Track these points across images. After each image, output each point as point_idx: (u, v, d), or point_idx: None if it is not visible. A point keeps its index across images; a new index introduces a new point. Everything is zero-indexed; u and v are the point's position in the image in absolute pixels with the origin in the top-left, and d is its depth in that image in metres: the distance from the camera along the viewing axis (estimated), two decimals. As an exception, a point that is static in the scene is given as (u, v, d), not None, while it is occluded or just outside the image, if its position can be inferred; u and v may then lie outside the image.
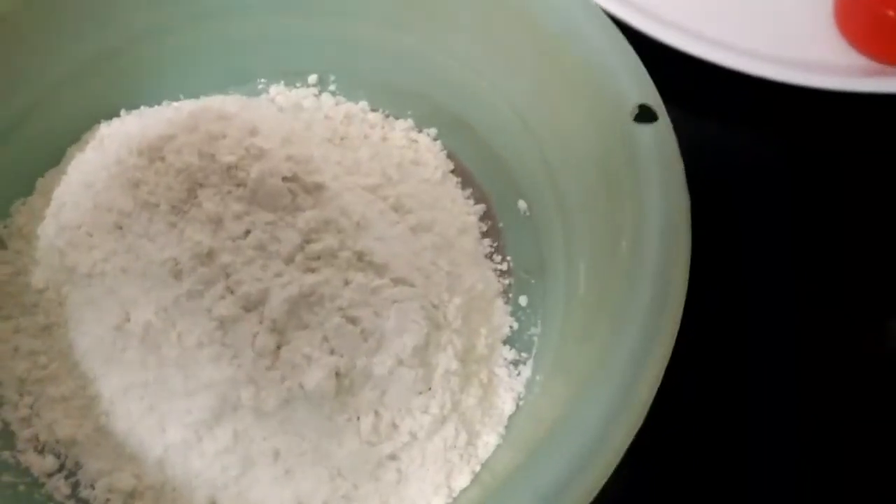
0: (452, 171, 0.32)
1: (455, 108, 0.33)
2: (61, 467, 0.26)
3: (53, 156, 0.32)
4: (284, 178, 0.24)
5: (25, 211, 0.30)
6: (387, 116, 0.33)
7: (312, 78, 0.34)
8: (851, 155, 0.38)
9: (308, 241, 0.24)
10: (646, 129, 0.24)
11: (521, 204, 0.31)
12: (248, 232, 0.24)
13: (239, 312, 0.23)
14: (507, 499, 0.20)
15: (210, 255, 0.24)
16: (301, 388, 0.23)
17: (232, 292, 0.24)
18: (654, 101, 0.24)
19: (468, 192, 0.32)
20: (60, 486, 0.26)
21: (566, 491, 0.19)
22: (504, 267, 0.30)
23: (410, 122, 0.33)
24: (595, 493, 0.20)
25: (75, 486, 0.26)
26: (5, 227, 0.30)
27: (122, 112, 0.33)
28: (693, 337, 0.24)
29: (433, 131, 0.33)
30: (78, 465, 0.26)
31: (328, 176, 0.25)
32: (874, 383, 0.31)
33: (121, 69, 0.33)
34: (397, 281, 0.25)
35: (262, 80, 0.34)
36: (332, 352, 0.24)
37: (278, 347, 0.24)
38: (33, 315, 0.28)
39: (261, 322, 0.23)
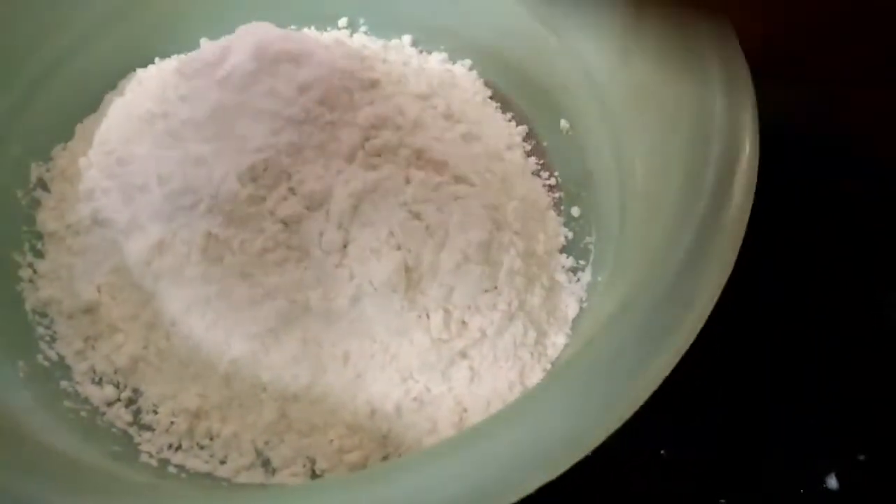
0: (490, 98, 0.32)
1: (487, 39, 0.33)
2: (121, 396, 0.25)
3: (91, 103, 0.31)
4: (339, 77, 0.24)
5: (66, 155, 0.30)
6: (420, 52, 0.34)
7: (342, 21, 0.34)
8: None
9: (367, 139, 0.24)
10: (704, 21, 0.24)
11: (564, 123, 0.31)
12: (307, 133, 0.23)
13: (303, 212, 0.23)
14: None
15: (270, 158, 0.23)
16: (371, 284, 0.23)
17: (294, 193, 0.23)
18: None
19: (508, 115, 0.32)
20: (122, 414, 0.25)
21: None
22: (553, 182, 0.30)
23: (444, 55, 0.33)
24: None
25: (137, 412, 0.25)
26: (48, 170, 0.30)
27: (157, 59, 0.33)
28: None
29: (468, 62, 0.33)
30: (138, 393, 0.25)
31: (381, 75, 0.25)
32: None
33: (153, 17, 0.33)
34: (458, 179, 0.25)
35: (293, 26, 0.34)
36: (398, 247, 0.23)
37: (345, 245, 0.23)
38: (84, 248, 0.27)
39: (326, 220, 0.23)
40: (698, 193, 0.22)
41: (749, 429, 0.29)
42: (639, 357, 0.18)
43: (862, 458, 0.28)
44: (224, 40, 0.26)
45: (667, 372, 0.19)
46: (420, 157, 0.24)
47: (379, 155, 0.24)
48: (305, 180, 0.23)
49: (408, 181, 0.24)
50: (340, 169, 0.23)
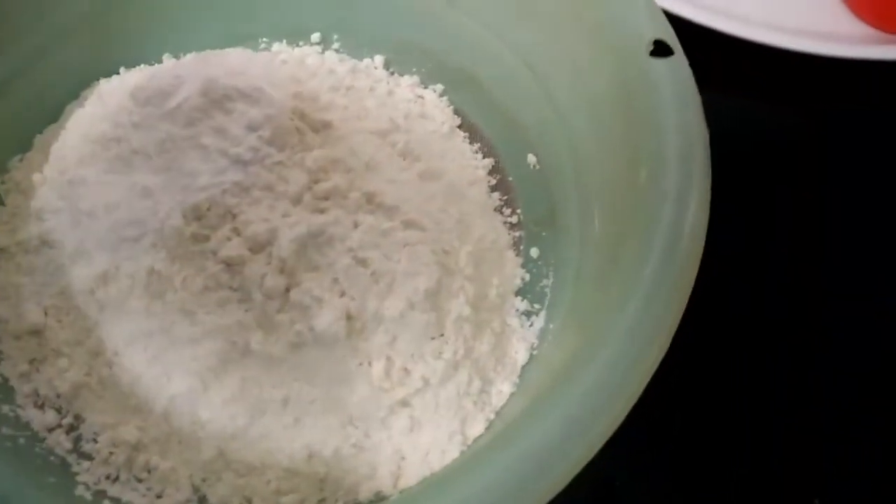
0: (459, 127, 0.32)
1: (461, 63, 0.32)
2: (62, 422, 0.25)
3: (51, 113, 0.31)
4: (291, 118, 0.23)
5: (23, 167, 0.29)
6: (391, 73, 0.33)
7: (315, 37, 0.34)
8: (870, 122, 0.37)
9: (316, 181, 0.23)
10: (662, 64, 0.23)
11: (531, 158, 0.30)
12: (254, 173, 0.23)
13: (246, 254, 0.23)
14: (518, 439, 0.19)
15: (215, 197, 0.23)
16: (311, 331, 0.23)
17: (238, 234, 0.23)
18: (669, 35, 0.24)
19: (476, 146, 0.31)
20: (62, 441, 0.25)
21: (575, 435, 0.19)
22: (514, 220, 0.29)
23: (416, 78, 0.33)
24: (602, 442, 0.19)
25: (77, 440, 0.25)
26: (2, 182, 0.29)
27: (122, 70, 0.32)
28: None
29: (439, 87, 0.33)
30: (80, 419, 0.25)
31: (336, 117, 0.25)
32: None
33: (119, 26, 0.32)
34: (408, 224, 0.24)
35: (264, 40, 0.34)
36: (342, 294, 0.23)
37: (287, 290, 0.23)
38: (32, 268, 0.27)
39: (269, 263, 0.23)
40: (645, 264, 0.21)
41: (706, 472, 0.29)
42: (598, 407, 0.18)
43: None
44: (177, 67, 0.26)
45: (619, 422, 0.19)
46: (370, 202, 0.24)
47: (327, 198, 0.23)
48: (250, 222, 0.23)
49: (355, 226, 0.24)
50: (286, 212, 0.23)
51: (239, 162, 0.23)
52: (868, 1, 0.39)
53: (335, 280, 0.23)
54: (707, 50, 0.35)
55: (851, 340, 0.31)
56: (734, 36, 0.36)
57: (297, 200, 0.23)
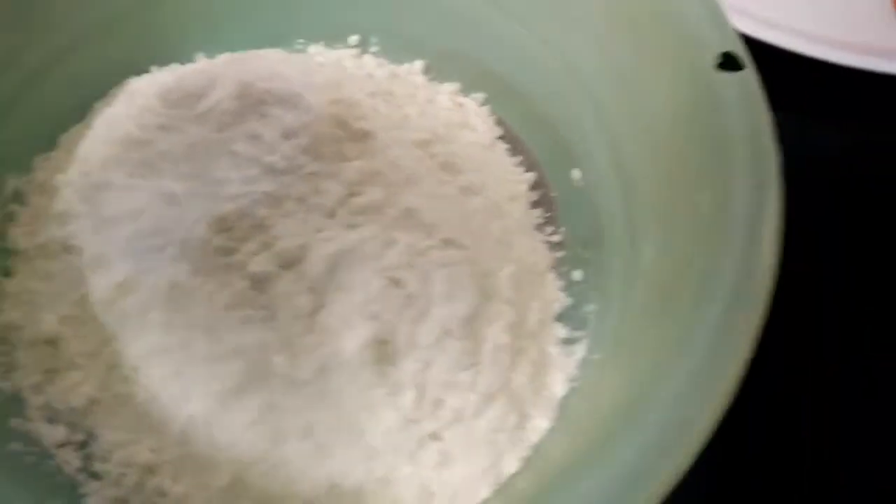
0: (501, 138, 0.30)
1: (505, 72, 0.31)
2: (73, 438, 0.24)
3: (78, 111, 0.30)
4: (329, 125, 0.22)
5: (47, 167, 0.28)
6: (431, 80, 0.31)
7: (353, 39, 0.32)
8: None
9: (352, 195, 0.22)
10: (730, 79, 0.21)
11: (576, 173, 0.29)
12: (287, 183, 0.22)
13: (275, 270, 0.21)
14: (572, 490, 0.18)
15: (245, 207, 0.22)
16: (338, 356, 0.21)
17: (268, 248, 0.21)
18: (738, 48, 0.22)
19: (517, 159, 0.29)
20: (71, 458, 0.24)
21: (641, 481, 0.17)
22: (556, 239, 0.28)
23: (457, 85, 0.31)
24: (671, 485, 0.18)
25: (87, 458, 0.24)
26: (27, 181, 0.28)
27: (154, 69, 0.31)
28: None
29: (480, 96, 0.31)
30: (92, 436, 0.24)
31: (376, 125, 0.23)
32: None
33: (153, 23, 0.31)
34: (447, 243, 0.23)
35: (301, 41, 0.32)
36: (373, 317, 0.21)
37: (315, 310, 0.21)
38: (50, 274, 0.26)
39: (298, 281, 0.21)
40: (711, 305, 0.20)
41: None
42: (659, 455, 0.17)
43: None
44: (211, 67, 0.24)
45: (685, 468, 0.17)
46: (408, 217, 0.22)
47: (362, 213, 0.22)
48: (281, 236, 0.21)
49: (391, 244, 0.22)
50: (320, 226, 0.22)
51: (272, 171, 0.22)
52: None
53: (366, 301, 0.21)
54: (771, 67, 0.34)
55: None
56: (798, 53, 0.34)
57: (331, 214, 0.22)
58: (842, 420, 0.28)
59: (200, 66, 0.27)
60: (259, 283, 0.22)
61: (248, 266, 0.21)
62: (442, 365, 0.22)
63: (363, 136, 0.23)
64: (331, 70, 0.28)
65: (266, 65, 0.24)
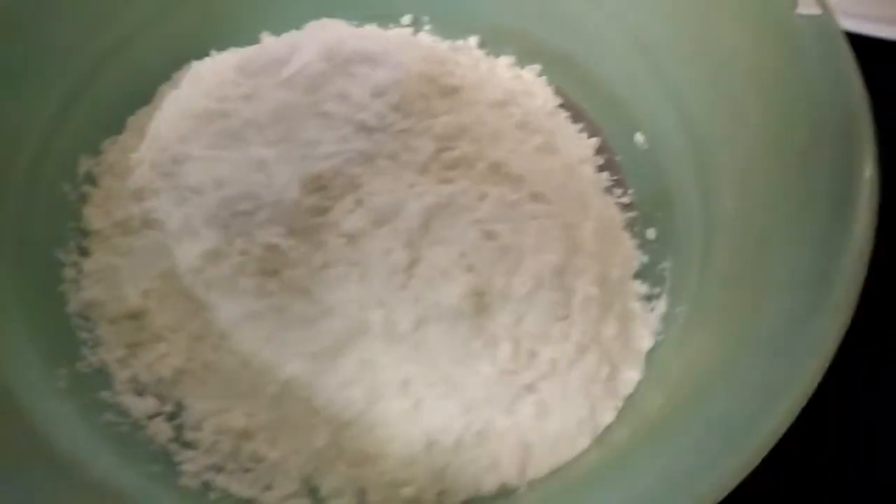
0: (560, 107, 0.30)
1: (557, 42, 0.31)
2: (163, 409, 0.24)
3: (142, 95, 0.30)
4: (419, 82, 0.22)
5: (116, 149, 0.29)
6: (487, 54, 0.32)
7: (406, 19, 0.33)
8: None
9: (442, 150, 0.22)
10: (809, 22, 0.22)
11: (639, 137, 0.29)
12: (379, 141, 0.22)
13: (369, 227, 0.22)
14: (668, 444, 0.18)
15: (338, 166, 0.22)
16: (437, 307, 0.21)
17: (361, 205, 0.22)
18: (814, -9, 0.22)
19: (579, 126, 0.30)
20: (163, 429, 0.24)
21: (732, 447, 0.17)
22: (626, 200, 0.28)
23: (513, 58, 0.31)
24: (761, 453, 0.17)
25: (179, 428, 0.24)
26: (97, 164, 0.28)
27: (213, 52, 0.31)
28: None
29: (536, 67, 0.31)
30: (181, 407, 0.24)
31: (463, 82, 0.23)
32: None
33: (210, 8, 0.31)
34: (534, 196, 0.23)
35: (355, 22, 0.33)
36: (469, 269, 0.22)
37: (411, 264, 0.22)
38: (130, 249, 0.26)
39: (393, 237, 0.21)
40: (813, 224, 0.20)
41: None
42: (755, 414, 0.17)
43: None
44: (290, 37, 0.25)
45: (782, 431, 0.17)
46: (496, 172, 0.23)
47: (454, 168, 0.22)
48: (375, 192, 0.21)
49: (482, 197, 0.22)
50: (412, 182, 0.22)
51: (364, 129, 0.22)
52: None
53: (462, 254, 0.22)
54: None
55: None
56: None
57: (423, 170, 0.22)
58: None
59: (275, 39, 0.27)
60: (354, 240, 0.22)
61: (343, 224, 0.22)
62: (535, 316, 0.22)
63: (451, 92, 0.23)
64: (401, 37, 0.28)
65: (348, 28, 0.24)
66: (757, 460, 0.17)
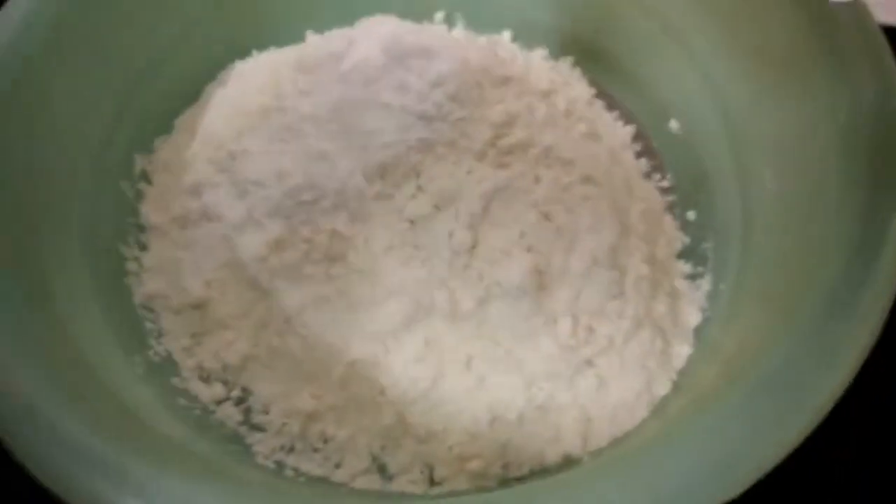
0: (595, 96, 0.31)
1: (589, 35, 0.32)
2: (230, 394, 0.25)
3: (190, 95, 0.31)
4: (473, 72, 0.23)
5: (168, 147, 0.29)
6: (521, 48, 0.33)
7: (439, 16, 0.34)
8: None
9: (498, 136, 0.23)
10: (843, 7, 0.23)
11: (673, 123, 0.30)
12: (437, 129, 0.23)
13: (432, 211, 0.22)
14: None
15: (400, 154, 0.23)
16: (499, 286, 0.22)
17: (423, 191, 0.23)
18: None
19: (615, 114, 0.31)
20: (232, 413, 0.24)
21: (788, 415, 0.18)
22: (665, 184, 0.29)
23: (546, 51, 0.32)
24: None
25: (247, 412, 0.25)
26: (149, 162, 0.29)
27: (254, 52, 0.32)
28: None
29: (569, 59, 0.32)
30: (247, 392, 0.25)
31: (513, 72, 0.24)
32: None
33: (248, 9, 0.32)
34: (585, 179, 0.24)
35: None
36: (529, 249, 0.23)
37: (474, 246, 0.23)
38: (191, 242, 0.27)
39: (456, 219, 0.22)
40: (853, 199, 0.21)
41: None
42: (812, 378, 0.18)
43: None
44: (344, 32, 0.26)
45: (840, 393, 0.18)
46: (548, 156, 0.24)
47: (509, 153, 0.23)
48: (435, 178, 0.22)
49: (537, 181, 0.23)
50: (470, 167, 0.23)
51: (423, 118, 0.23)
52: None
53: (522, 235, 0.23)
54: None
55: None
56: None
57: (480, 156, 0.23)
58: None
59: (328, 35, 0.28)
60: (416, 224, 0.23)
61: (406, 209, 0.23)
62: (592, 294, 0.23)
63: (503, 82, 0.24)
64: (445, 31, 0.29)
65: (401, 23, 0.25)
66: (812, 426, 0.18)
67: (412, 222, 0.23)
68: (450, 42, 0.25)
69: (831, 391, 0.18)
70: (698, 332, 0.25)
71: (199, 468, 0.19)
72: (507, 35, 0.33)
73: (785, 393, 0.19)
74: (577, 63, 0.32)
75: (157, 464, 0.17)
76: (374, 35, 0.24)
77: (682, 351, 0.25)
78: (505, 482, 0.23)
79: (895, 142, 0.21)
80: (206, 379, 0.25)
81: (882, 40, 0.23)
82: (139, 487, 0.16)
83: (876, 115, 0.22)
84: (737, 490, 0.16)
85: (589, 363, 0.23)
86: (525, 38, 0.33)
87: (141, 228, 0.28)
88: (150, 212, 0.28)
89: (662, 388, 0.24)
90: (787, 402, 0.19)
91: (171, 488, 0.16)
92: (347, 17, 0.33)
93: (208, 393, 0.25)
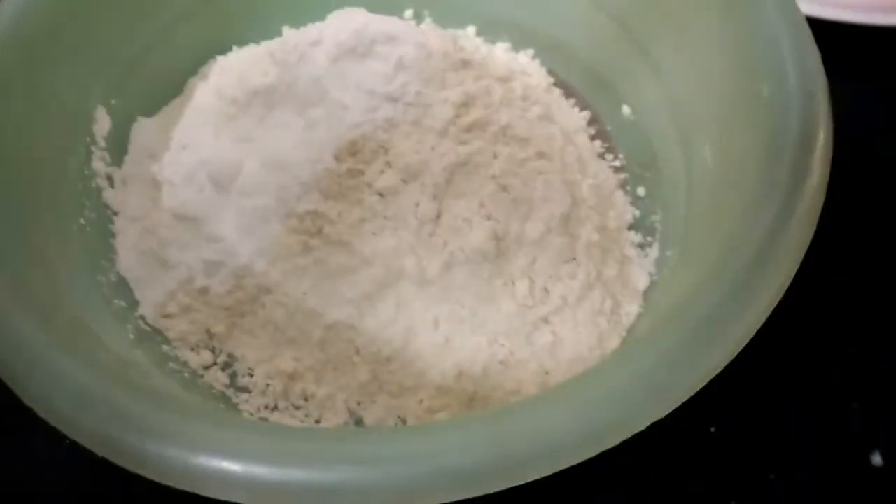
0: (553, 85, 0.34)
1: (549, 31, 0.35)
2: (217, 360, 0.27)
3: (173, 90, 0.33)
4: (436, 57, 0.25)
5: (148, 133, 0.31)
6: (484, 41, 0.35)
7: (408, 13, 0.36)
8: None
9: (458, 115, 0.25)
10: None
11: (626, 109, 0.32)
12: (403, 109, 0.25)
13: (400, 184, 0.25)
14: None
15: (368, 133, 0.25)
16: (462, 251, 0.24)
17: (391, 166, 0.25)
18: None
19: (571, 101, 0.33)
20: (219, 377, 0.26)
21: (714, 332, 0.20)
22: (617, 164, 0.31)
23: (508, 44, 0.35)
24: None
25: (233, 375, 0.27)
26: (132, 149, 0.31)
27: (234, 47, 0.34)
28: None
29: (530, 52, 0.35)
30: (233, 358, 0.27)
31: (473, 57, 0.27)
32: None
33: (228, 6, 0.34)
34: (539, 155, 0.26)
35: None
36: (488, 217, 0.25)
37: (438, 216, 0.25)
38: (177, 219, 0.29)
39: (421, 192, 0.25)
40: (776, 172, 0.23)
41: (809, 407, 0.29)
42: (727, 320, 0.20)
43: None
44: (315, 26, 0.28)
45: (748, 337, 0.20)
46: (505, 134, 0.26)
47: (469, 131, 0.25)
48: (402, 154, 0.25)
49: (495, 156, 0.25)
50: (434, 144, 0.25)
51: (389, 99, 0.25)
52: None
53: (482, 205, 0.25)
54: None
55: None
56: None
57: (443, 133, 0.25)
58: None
59: (296, 31, 0.30)
60: (386, 196, 0.25)
61: (376, 183, 0.25)
62: (547, 258, 0.25)
63: (463, 66, 0.26)
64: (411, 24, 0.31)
65: (369, 15, 0.27)
66: (731, 355, 0.20)
67: (381, 195, 0.25)
68: (414, 30, 0.27)
69: (748, 325, 0.20)
70: (647, 294, 0.28)
71: (198, 410, 0.20)
72: (471, 30, 0.36)
73: (706, 329, 0.21)
74: (536, 55, 0.35)
75: (157, 406, 0.19)
76: (343, 24, 0.26)
77: (632, 310, 0.27)
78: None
79: (812, 116, 0.24)
80: (192, 347, 0.27)
81: (803, 24, 0.25)
82: (141, 424, 0.18)
83: (798, 91, 0.24)
84: (663, 411, 0.18)
85: (545, 321, 0.26)
86: (489, 33, 0.36)
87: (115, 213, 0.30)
88: (116, 199, 0.29)
89: (612, 343, 0.26)
90: (708, 335, 0.21)
91: (171, 424, 0.18)
92: (323, 14, 0.35)
93: (196, 360, 0.27)
